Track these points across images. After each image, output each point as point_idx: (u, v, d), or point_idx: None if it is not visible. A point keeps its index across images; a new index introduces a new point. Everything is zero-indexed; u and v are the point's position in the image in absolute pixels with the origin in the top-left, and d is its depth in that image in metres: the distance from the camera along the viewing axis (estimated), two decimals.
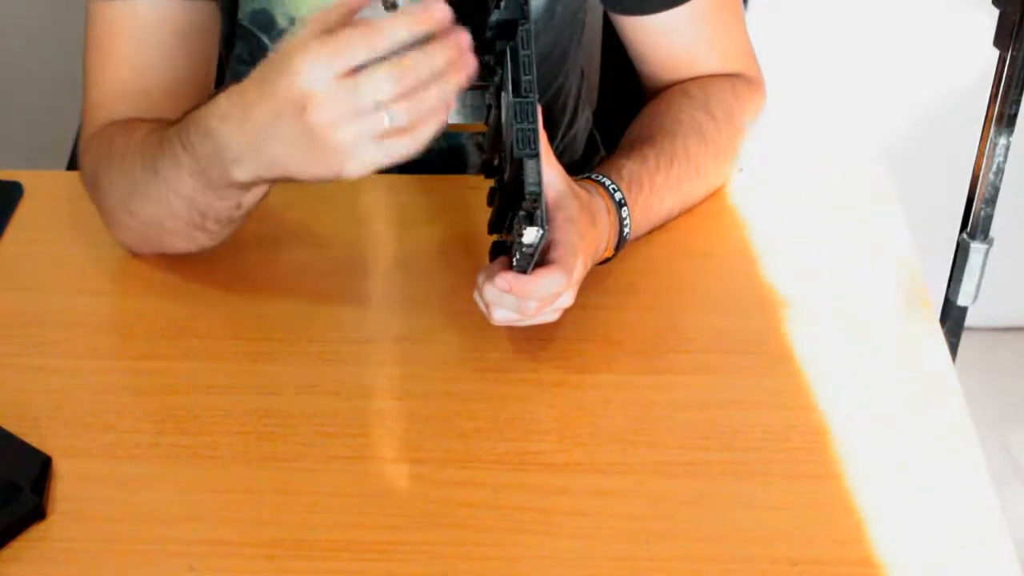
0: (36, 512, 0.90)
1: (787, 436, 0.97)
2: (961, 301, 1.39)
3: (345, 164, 0.86)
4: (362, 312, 1.08)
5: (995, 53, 1.27)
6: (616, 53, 1.30)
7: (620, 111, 1.26)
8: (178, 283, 1.08)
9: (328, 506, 0.92)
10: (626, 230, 1.06)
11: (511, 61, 0.91)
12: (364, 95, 0.83)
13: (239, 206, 0.98)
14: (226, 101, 0.91)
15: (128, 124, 1.06)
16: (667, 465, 0.95)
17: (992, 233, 1.36)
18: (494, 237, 1.01)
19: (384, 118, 0.84)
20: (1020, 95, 1.27)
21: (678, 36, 1.19)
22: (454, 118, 0.96)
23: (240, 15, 1.17)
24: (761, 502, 0.93)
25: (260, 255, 1.11)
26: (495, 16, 0.91)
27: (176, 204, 0.99)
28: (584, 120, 1.38)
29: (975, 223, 1.35)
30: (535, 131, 0.89)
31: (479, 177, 1.04)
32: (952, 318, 1.40)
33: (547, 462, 0.95)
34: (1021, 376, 2.14)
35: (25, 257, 1.12)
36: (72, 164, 1.29)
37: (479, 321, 0.99)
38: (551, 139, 1.28)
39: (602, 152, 1.39)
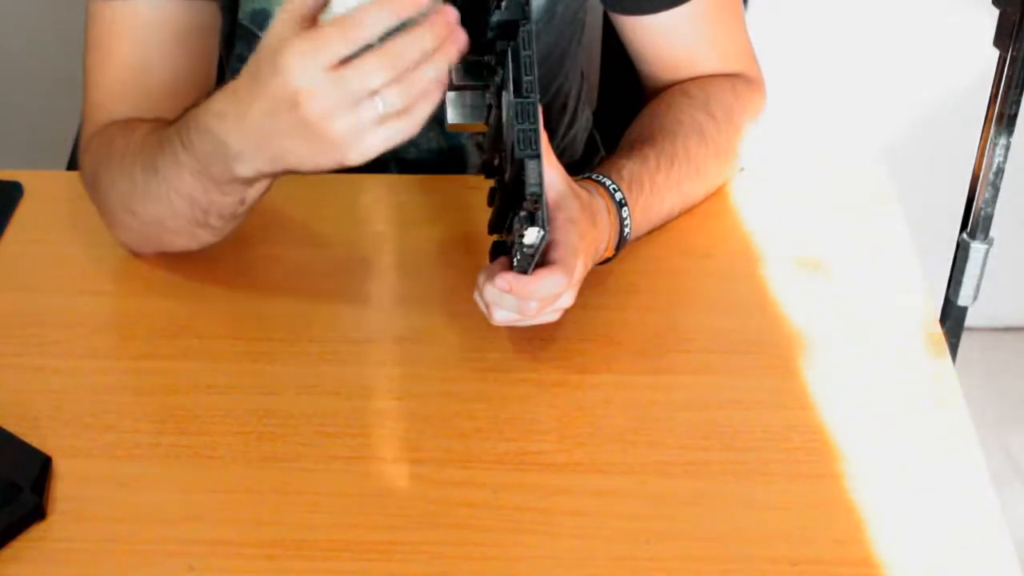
0: (36, 512, 0.90)
1: (787, 436, 0.97)
2: (961, 301, 1.38)
3: (346, 153, 0.86)
4: (362, 312, 1.08)
5: (995, 53, 1.27)
6: (616, 53, 1.30)
7: (620, 111, 1.26)
8: (178, 283, 1.08)
9: (328, 506, 0.92)
10: (626, 230, 1.06)
11: (512, 62, 0.91)
12: (354, 85, 0.83)
13: (242, 201, 0.98)
14: (222, 100, 0.91)
15: (128, 124, 1.06)
16: (667, 465, 0.95)
17: (992, 233, 1.36)
18: (494, 237, 1.01)
19: (378, 104, 0.84)
20: (1020, 95, 1.26)
21: (678, 36, 1.19)
22: (454, 118, 0.96)
23: (240, 15, 1.17)
24: (761, 502, 0.93)
25: (260, 255, 1.11)
26: (496, 16, 0.91)
27: (178, 202, 0.99)
28: (584, 120, 1.38)
29: (975, 223, 1.35)
30: (536, 132, 0.89)
31: (479, 177, 1.04)
32: (952, 318, 1.39)
33: (547, 462, 0.95)
34: (1021, 376, 2.14)
35: (25, 257, 1.12)
36: (72, 164, 1.29)
37: (479, 321, 0.99)
38: (551, 139, 1.28)
39: (602, 152, 1.39)
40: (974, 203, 1.34)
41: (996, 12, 1.25)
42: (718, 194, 1.18)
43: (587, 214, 0.99)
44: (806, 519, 0.92)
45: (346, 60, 0.83)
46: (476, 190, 1.07)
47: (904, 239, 1.15)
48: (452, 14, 0.84)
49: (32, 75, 2.11)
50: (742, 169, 1.20)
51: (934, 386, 1.01)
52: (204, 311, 1.07)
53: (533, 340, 1.03)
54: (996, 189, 1.32)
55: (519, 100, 0.89)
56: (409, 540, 0.90)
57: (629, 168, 1.08)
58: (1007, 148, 1.29)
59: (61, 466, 0.94)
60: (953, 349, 1.39)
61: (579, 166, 1.29)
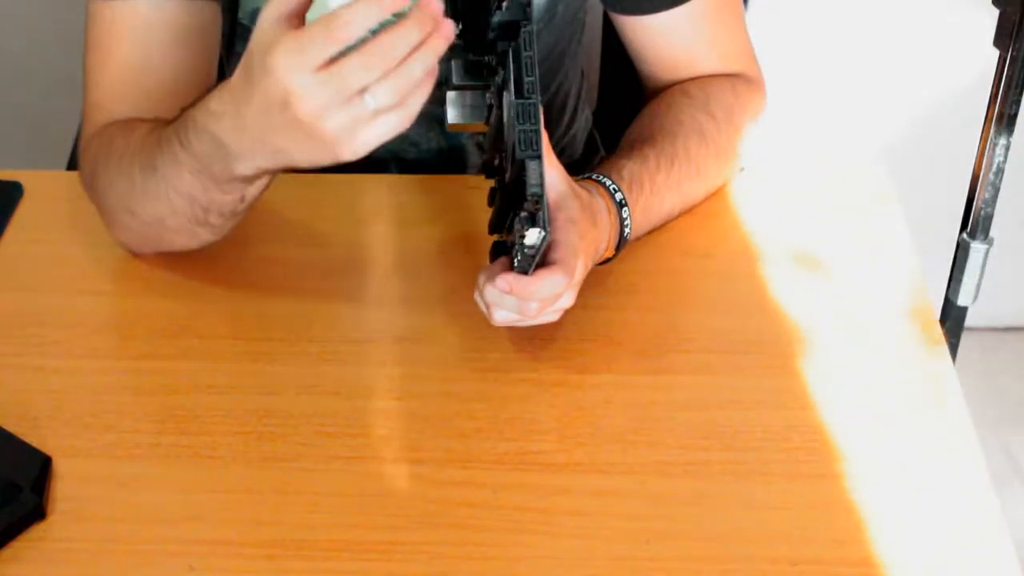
0: (36, 512, 0.90)
1: (787, 436, 0.97)
2: (961, 301, 1.38)
3: (340, 150, 0.86)
4: (362, 312, 1.08)
5: (995, 53, 1.27)
6: (616, 53, 1.30)
7: (620, 111, 1.26)
8: (178, 283, 1.08)
9: (328, 506, 0.92)
10: (627, 230, 1.06)
11: (513, 62, 0.91)
12: (343, 84, 0.83)
13: (242, 199, 0.98)
14: (218, 99, 0.91)
15: (127, 124, 1.06)
16: (667, 465, 0.95)
17: (992, 233, 1.36)
18: (494, 237, 1.01)
19: (369, 101, 0.84)
20: (1020, 95, 1.27)
21: (678, 36, 1.19)
22: (454, 118, 0.96)
23: (240, 14, 1.17)
24: (761, 502, 0.93)
25: (260, 255, 1.11)
26: (497, 17, 0.91)
27: (177, 201, 0.99)
28: (584, 120, 1.38)
29: (975, 223, 1.35)
30: (537, 132, 0.89)
31: (479, 177, 1.04)
32: (952, 318, 1.39)
33: (547, 462, 0.95)
34: (1021, 376, 2.14)
35: (25, 257, 1.12)
36: (72, 164, 1.29)
37: (479, 321, 0.99)
38: (550, 139, 1.28)
39: (602, 152, 1.39)
40: (974, 203, 1.34)
41: (996, 12, 1.25)
42: (718, 194, 1.18)
43: (587, 214, 0.99)
44: (806, 519, 0.92)
45: (336, 58, 0.83)
46: (476, 190, 1.07)
47: (904, 239, 1.15)
48: (437, 5, 0.84)
49: (32, 75, 2.11)
50: (742, 169, 1.20)
51: (934, 386, 1.01)
52: (204, 311, 1.07)
53: (533, 340, 1.03)
54: (996, 189, 1.32)
55: (520, 101, 0.89)
56: (409, 540, 0.90)
57: (629, 168, 1.08)
58: (1007, 148, 1.29)
59: (61, 466, 0.94)
60: (953, 349, 1.39)
61: (579, 165, 1.29)
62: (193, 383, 1.00)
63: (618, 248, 1.07)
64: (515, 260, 0.94)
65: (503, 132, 0.93)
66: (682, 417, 0.98)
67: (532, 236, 0.90)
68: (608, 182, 1.06)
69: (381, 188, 1.19)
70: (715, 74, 1.19)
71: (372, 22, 0.83)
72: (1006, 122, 1.28)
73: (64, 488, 0.93)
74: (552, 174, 0.96)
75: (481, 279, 0.97)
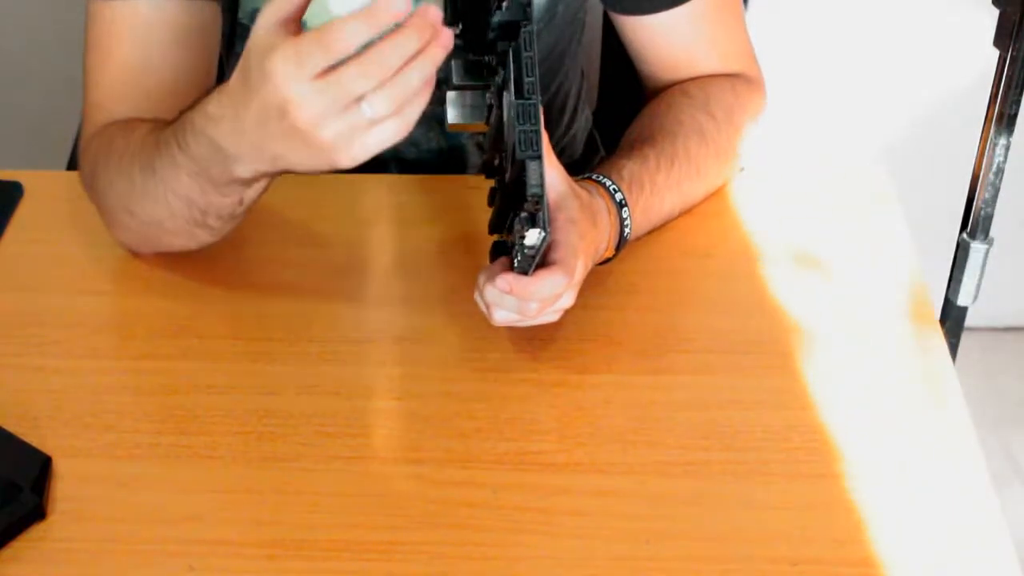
0: (36, 512, 0.90)
1: (787, 436, 0.97)
2: (961, 301, 1.38)
3: (337, 157, 0.86)
4: (362, 312, 1.08)
5: (995, 53, 1.27)
6: (616, 53, 1.30)
7: (620, 111, 1.26)
8: (178, 283, 1.08)
9: (328, 506, 0.92)
10: (627, 230, 1.06)
11: (513, 63, 0.91)
12: (340, 92, 0.83)
13: (241, 202, 0.98)
14: (216, 103, 0.91)
15: (127, 124, 1.06)
16: (667, 465, 0.95)
17: (992, 233, 1.36)
18: (494, 237, 1.01)
19: (366, 109, 0.84)
20: (1020, 95, 1.27)
21: (678, 36, 1.19)
22: (454, 118, 0.96)
23: (240, 14, 1.17)
24: (761, 502, 0.93)
25: (260, 255, 1.11)
26: (497, 17, 0.91)
27: (176, 203, 0.99)
28: (583, 120, 1.38)
29: (975, 223, 1.35)
30: (537, 133, 0.89)
31: (479, 177, 1.04)
32: (952, 318, 1.40)
33: (547, 462, 0.95)
34: (1021, 376, 2.14)
35: (25, 257, 1.12)
36: (72, 164, 1.29)
37: (479, 321, 0.99)
38: (550, 139, 1.28)
39: (602, 152, 1.39)
40: (974, 203, 1.34)
41: (996, 12, 1.25)
42: (718, 194, 1.18)
43: (587, 214, 0.99)
44: (806, 519, 0.92)
45: (334, 65, 0.83)
46: (476, 190, 1.07)
47: (904, 239, 1.15)
48: (435, 13, 0.83)
49: (32, 75, 2.11)
50: (742, 169, 1.20)
51: (934, 386, 1.01)
52: (204, 311, 1.07)
53: (533, 340, 1.03)
54: (996, 189, 1.33)
55: (520, 101, 0.89)
56: (409, 540, 0.90)
57: (629, 168, 1.08)
58: (1007, 148, 1.30)
59: (61, 466, 0.94)
60: (953, 349, 1.39)
61: (579, 165, 1.29)
62: (193, 383, 1.00)
63: (618, 248, 1.07)
64: (515, 260, 0.94)
65: (503, 132, 0.93)
66: (682, 417, 0.98)
67: (532, 236, 0.90)
68: (608, 182, 1.06)
69: (381, 188, 1.20)
70: (715, 74, 1.19)
71: (369, 35, 0.83)
72: (1006, 122, 1.28)
73: (64, 488, 0.93)
74: (552, 174, 0.96)
75: (481, 279, 0.97)
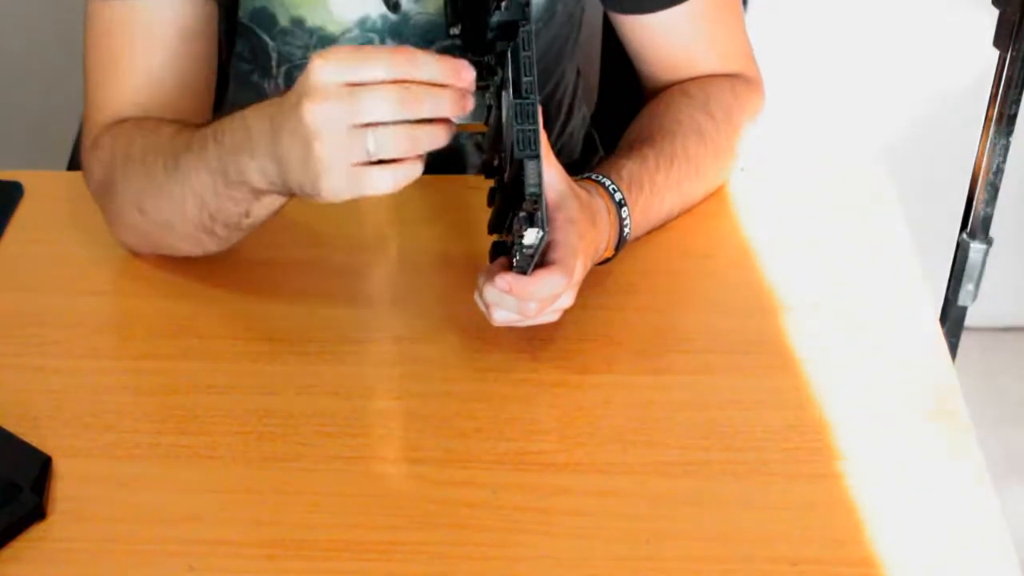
0: (36, 512, 0.90)
1: (787, 436, 0.97)
2: (961, 301, 1.39)
3: (320, 181, 0.88)
4: (362, 312, 1.08)
5: (995, 53, 1.27)
6: (615, 53, 1.30)
7: (619, 111, 1.26)
8: (178, 283, 1.08)
9: (328, 506, 0.92)
10: (626, 230, 1.06)
11: (512, 62, 0.91)
12: (353, 104, 0.84)
13: (247, 214, 0.99)
14: (267, 101, 0.93)
15: (149, 123, 1.06)
16: (667, 465, 0.95)
17: (992, 233, 1.37)
18: (494, 237, 1.01)
19: (370, 140, 0.85)
20: (1020, 95, 1.27)
21: (677, 35, 1.19)
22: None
23: (241, 13, 1.17)
24: (761, 502, 0.93)
25: (260, 255, 1.11)
26: (496, 17, 0.91)
27: (190, 203, 0.99)
28: (580, 118, 1.38)
29: (975, 223, 1.35)
30: (536, 132, 0.89)
31: (479, 177, 1.04)
32: (952, 318, 1.40)
33: (547, 462, 0.95)
34: (1021, 376, 2.14)
35: (25, 257, 1.12)
36: (72, 164, 1.29)
37: (479, 321, 0.99)
38: (548, 138, 1.28)
39: (601, 152, 1.39)
40: (974, 203, 1.34)
41: (996, 12, 1.25)
42: (718, 194, 1.18)
43: (587, 214, 1.00)
44: (806, 519, 0.92)
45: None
46: (476, 190, 1.07)
47: (904, 239, 1.15)
48: (468, 77, 0.87)
49: (32, 75, 2.11)
50: (742, 169, 1.20)
51: (934, 386, 1.01)
52: (204, 311, 1.07)
53: (533, 340, 1.03)
54: (996, 189, 1.33)
55: (519, 101, 0.90)
56: (409, 540, 0.90)
57: (628, 168, 1.08)
58: (1007, 148, 1.30)
59: (61, 466, 0.94)
60: (953, 349, 1.39)
61: (577, 165, 1.29)
62: (193, 383, 1.00)
63: (617, 248, 1.07)
64: (514, 260, 0.94)
65: (502, 132, 0.93)
66: (682, 417, 0.98)
67: (530, 236, 0.90)
68: (607, 182, 1.06)
69: None
70: (714, 74, 1.19)
71: (432, 73, 0.85)
72: (1006, 122, 1.28)
73: (64, 488, 0.93)
74: (551, 174, 0.97)
75: (481, 279, 0.97)
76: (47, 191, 1.18)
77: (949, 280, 1.39)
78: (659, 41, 1.19)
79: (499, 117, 0.94)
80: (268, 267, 1.11)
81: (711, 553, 0.89)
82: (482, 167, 1.03)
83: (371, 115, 0.85)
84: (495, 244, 1.01)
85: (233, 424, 0.97)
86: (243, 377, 1.01)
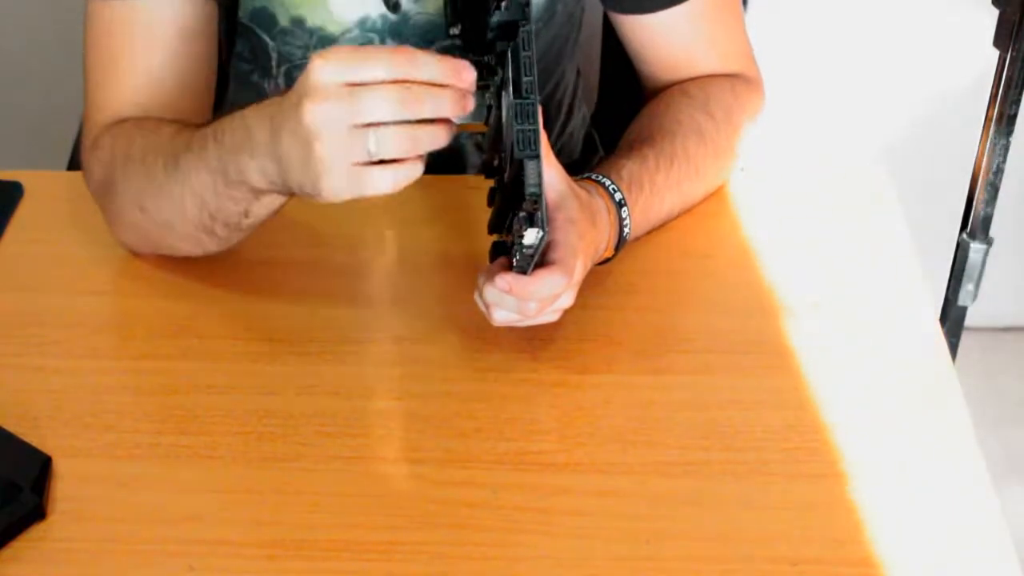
0: (36, 512, 0.90)
1: (787, 436, 0.97)
2: (961, 301, 1.39)
3: (321, 181, 0.88)
4: (362, 312, 1.08)
5: (995, 53, 1.27)
6: (615, 53, 1.30)
7: (619, 111, 1.26)
8: (178, 283, 1.08)
9: (328, 506, 0.92)
10: (626, 230, 1.06)
11: (512, 62, 0.91)
12: (354, 104, 0.85)
13: (247, 213, 0.99)
14: (268, 101, 0.93)
15: (150, 122, 1.06)
16: (667, 465, 0.95)
17: (992, 233, 1.37)
18: (494, 237, 1.01)
19: (371, 140, 0.85)
20: (1020, 95, 1.27)
21: (677, 35, 1.19)
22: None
23: (241, 13, 1.17)
24: (761, 502, 0.93)
25: (260, 255, 1.11)
26: (496, 17, 0.91)
27: (190, 203, 0.99)
28: (580, 118, 1.38)
29: (975, 223, 1.35)
30: (536, 132, 0.89)
31: (479, 177, 1.04)
32: (952, 318, 1.40)
33: (547, 462, 0.95)
34: (1021, 376, 2.14)
35: (25, 257, 1.12)
36: (72, 164, 1.29)
37: (479, 321, 0.99)
38: (548, 138, 1.28)
39: (600, 152, 1.39)
40: (974, 203, 1.34)
41: (996, 12, 1.25)
42: (718, 194, 1.18)
43: (587, 214, 1.00)
44: (806, 519, 0.92)
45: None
46: (476, 190, 1.07)
47: (904, 239, 1.15)
48: (469, 77, 0.87)
49: (32, 75, 2.11)
50: (742, 169, 1.20)
51: (934, 386, 1.01)
52: (204, 311, 1.07)
53: (533, 340, 1.03)
54: (996, 189, 1.33)
55: (519, 101, 0.90)
56: (409, 540, 0.90)
57: (628, 168, 1.08)
58: (1007, 148, 1.30)
59: (61, 466, 0.94)
60: (953, 349, 1.39)
61: (577, 165, 1.29)
62: (193, 383, 1.00)
63: (617, 248, 1.07)
64: (514, 260, 0.94)
65: (502, 132, 0.93)
66: (682, 417, 0.98)
67: (530, 236, 0.90)
68: (607, 182, 1.06)
69: None
70: (714, 74, 1.19)
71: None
72: (1006, 122, 1.28)
73: (64, 488, 0.93)
74: (551, 174, 0.97)
75: (481, 279, 0.97)
76: (47, 191, 1.18)
77: (949, 280, 1.39)
78: (659, 41, 1.19)
79: (499, 117, 0.94)
80: (268, 267, 1.11)
81: (711, 553, 0.89)
82: (482, 167, 1.03)
83: (371, 115, 0.85)
84: (495, 244, 1.01)
85: (233, 424, 0.97)
86: (243, 377, 1.01)
